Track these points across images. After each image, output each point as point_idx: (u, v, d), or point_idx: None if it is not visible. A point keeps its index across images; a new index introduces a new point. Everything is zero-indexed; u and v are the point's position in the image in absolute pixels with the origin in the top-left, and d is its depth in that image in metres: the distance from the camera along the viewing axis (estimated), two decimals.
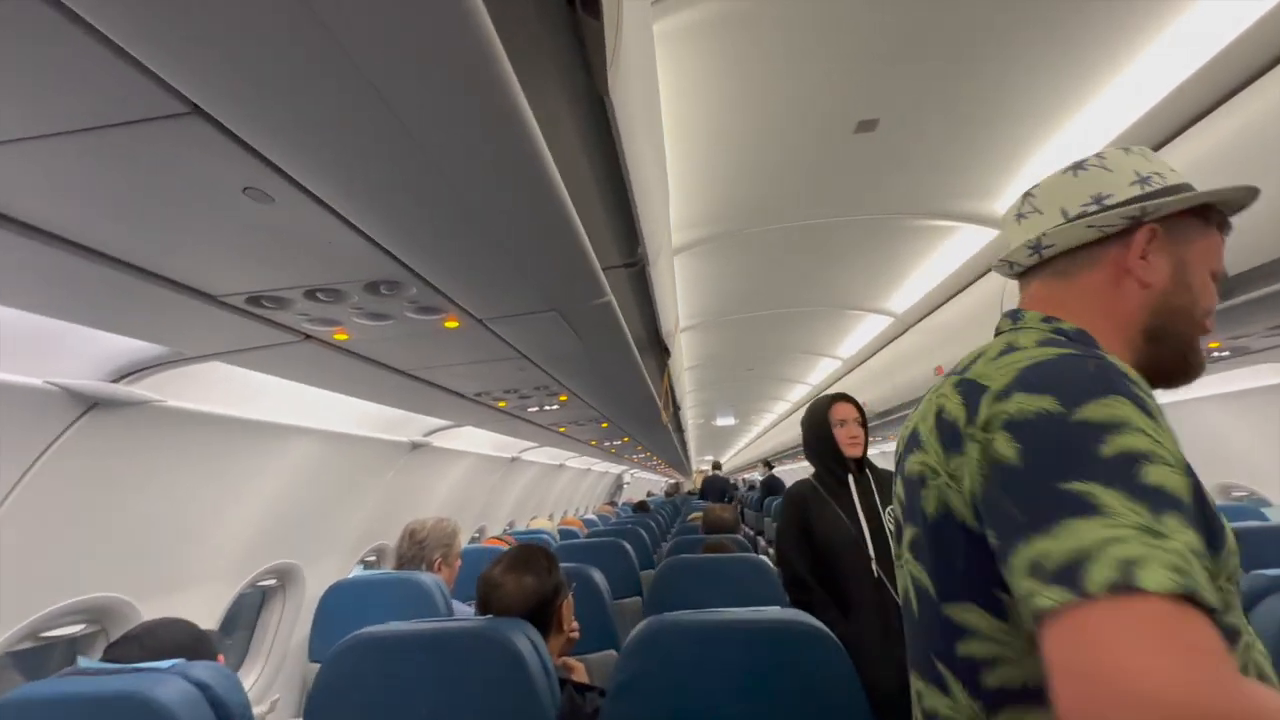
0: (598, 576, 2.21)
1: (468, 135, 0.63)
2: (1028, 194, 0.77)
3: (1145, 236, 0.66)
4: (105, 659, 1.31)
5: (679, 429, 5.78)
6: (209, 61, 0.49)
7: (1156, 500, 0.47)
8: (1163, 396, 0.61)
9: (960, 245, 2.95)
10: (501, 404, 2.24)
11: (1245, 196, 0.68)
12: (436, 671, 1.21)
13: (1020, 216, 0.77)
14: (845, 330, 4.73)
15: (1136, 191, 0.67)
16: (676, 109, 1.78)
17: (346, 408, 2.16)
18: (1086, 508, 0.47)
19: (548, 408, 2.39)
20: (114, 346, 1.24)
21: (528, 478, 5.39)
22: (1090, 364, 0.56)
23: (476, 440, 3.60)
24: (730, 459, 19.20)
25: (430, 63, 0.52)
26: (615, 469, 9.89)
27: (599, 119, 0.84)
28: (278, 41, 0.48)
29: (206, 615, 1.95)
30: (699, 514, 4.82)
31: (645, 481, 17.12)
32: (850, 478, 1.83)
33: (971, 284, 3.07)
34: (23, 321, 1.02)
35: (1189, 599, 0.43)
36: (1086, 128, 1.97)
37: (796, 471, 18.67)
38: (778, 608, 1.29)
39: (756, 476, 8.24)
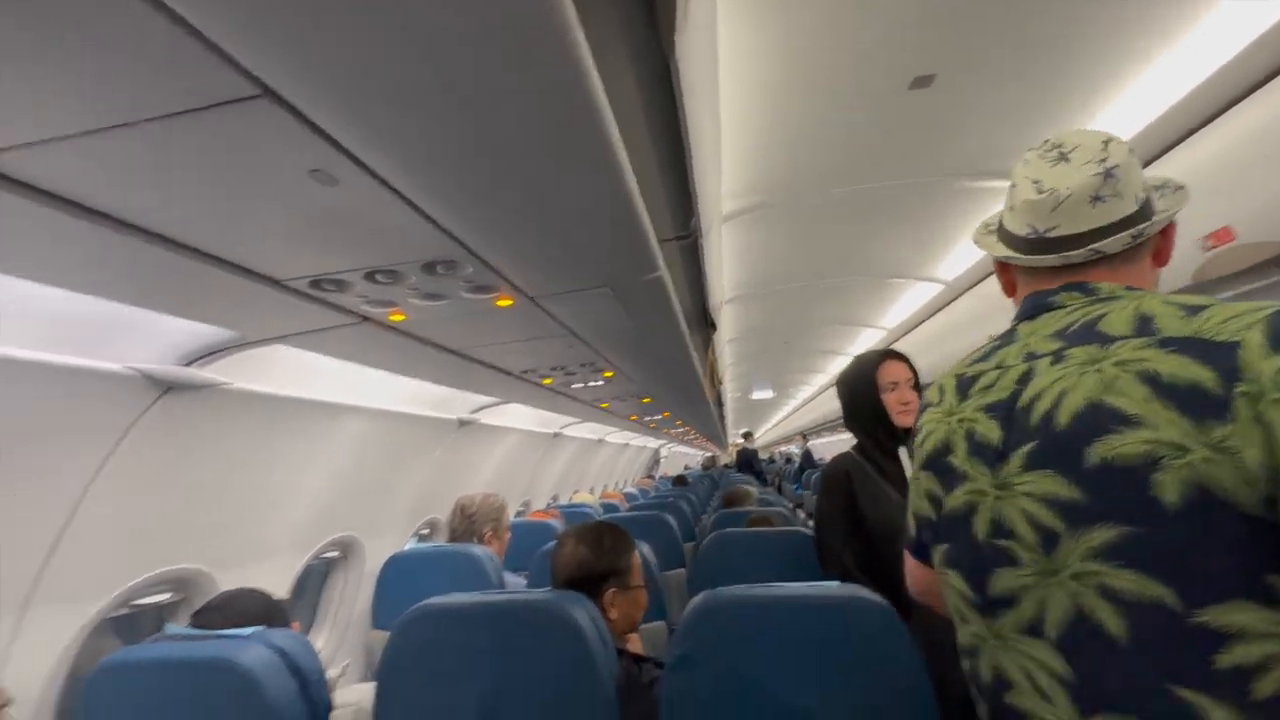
0: (645, 549, 2.23)
1: (533, 109, 0.61)
2: (1109, 174, 0.70)
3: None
4: (192, 625, 1.40)
5: (719, 402, 5.76)
6: (280, 41, 0.48)
7: None
8: None
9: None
10: (547, 381, 2.25)
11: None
12: (499, 641, 1.24)
13: (1098, 199, 0.70)
14: (889, 300, 4.58)
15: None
16: (726, 68, 1.70)
17: (396, 387, 2.21)
18: None
19: (592, 384, 2.40)
20: (184, 332, 1.28)
21: (569, 453, 5.48)
22: None
23: (520, 417, 3.66)
24: (766, 432, 19.11)
25: (500, 32, 0.50)
26: (652, 443, 9.96)
27: (662, 81, 0.81)
28: (347, 19, 0.47)
29: (278, 585, 2.05)
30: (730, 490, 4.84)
31: (682, 455, 17.22)
32: (902, 451, 1.54)
33: None
34: (101, 309, 1.07)
35: None
36: (1166, 73, 1.81)
37: (835, 445, 18.46)
38: (837, 583, 1.27)
39: (794, 449, 8.05)
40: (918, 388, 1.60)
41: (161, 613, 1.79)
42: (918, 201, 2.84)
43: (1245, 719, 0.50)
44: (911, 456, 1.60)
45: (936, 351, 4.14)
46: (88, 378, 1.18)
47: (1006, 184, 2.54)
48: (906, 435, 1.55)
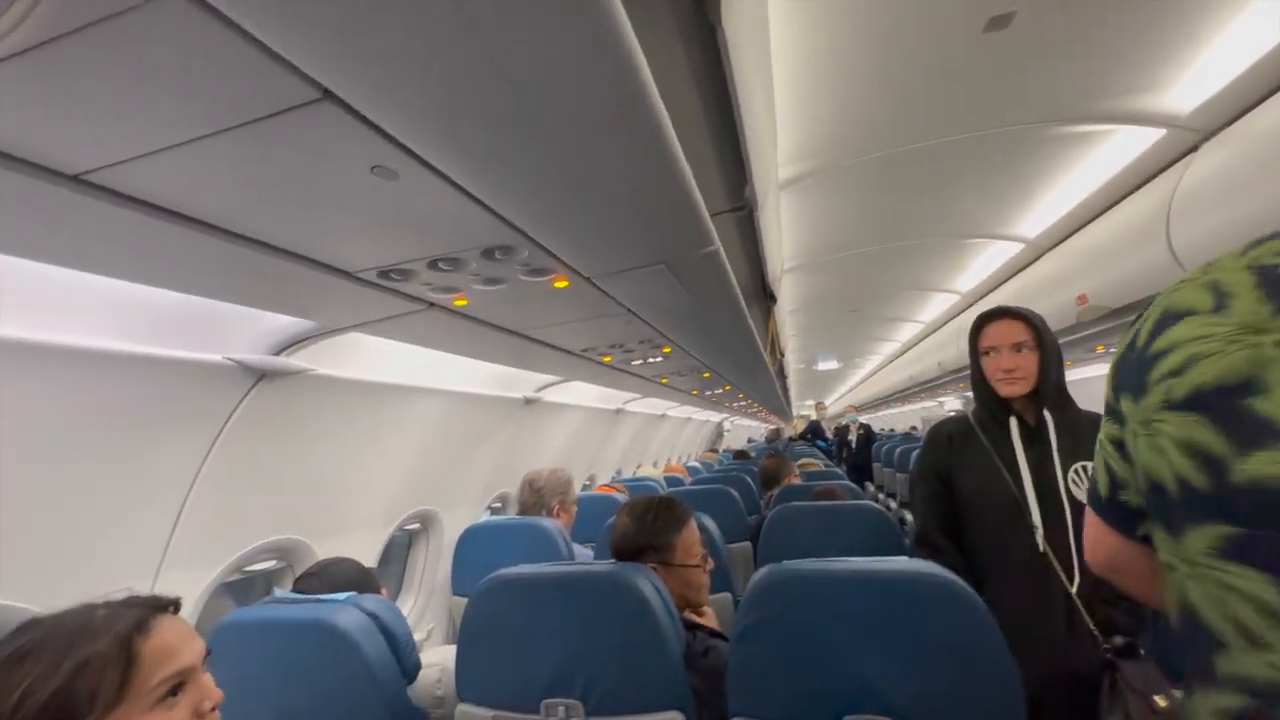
0: (709, 522, 2.25)
1: (581, 91, 0.61)
2: None
3: None
4: (295, 590, 1.54)
5: (781, 375, 5.65)
6: (338, 45, 0.50)
7: None
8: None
9: (1113, 152, 2.54)
10: (607, 359, 2.28)
11: None
12: (568, 609, 1.30)
13: None
14: (964, 262, 4.31)
15: None
16: (780, 26, 1.61)
17: (465, 368, 2.31)
18: None
19: (651, 360, 2.41)
20: (271, 325, 1.39)
21: (632, 428, 5.56)
22: None
23: (583, 394, 3.74)
24: (832, 404, 18.62)
25: (545, 19, 0.50)
26: (715, 417, 9.93)
27: (709, 51, 0.78)
28: (399, 19, 0.48)
29: (367, 554, 2.22)
30: (810, 460, 4.74)
31: (745, 428, 17.08)
32: (1014, 420, 1.40)
33: (1127, 195, 2.65)
34: (200, 307, 1.17)
35: None
36: (1263, 18, 1.57)
37: (906, 415, 17.75)
38: (905, 558, 1.24)
39: (846, 421, 7.69)
40: (1041, 346, 1.40)
41: (270, 578, 1.99)
42: (995, 153, 2.62)
43: None
44: (1024, 431, 1.41)
45: None
46: (192, 369, 1.31)
47: (1103, 127, 2.28)
48: (1033, 403, 1.40)
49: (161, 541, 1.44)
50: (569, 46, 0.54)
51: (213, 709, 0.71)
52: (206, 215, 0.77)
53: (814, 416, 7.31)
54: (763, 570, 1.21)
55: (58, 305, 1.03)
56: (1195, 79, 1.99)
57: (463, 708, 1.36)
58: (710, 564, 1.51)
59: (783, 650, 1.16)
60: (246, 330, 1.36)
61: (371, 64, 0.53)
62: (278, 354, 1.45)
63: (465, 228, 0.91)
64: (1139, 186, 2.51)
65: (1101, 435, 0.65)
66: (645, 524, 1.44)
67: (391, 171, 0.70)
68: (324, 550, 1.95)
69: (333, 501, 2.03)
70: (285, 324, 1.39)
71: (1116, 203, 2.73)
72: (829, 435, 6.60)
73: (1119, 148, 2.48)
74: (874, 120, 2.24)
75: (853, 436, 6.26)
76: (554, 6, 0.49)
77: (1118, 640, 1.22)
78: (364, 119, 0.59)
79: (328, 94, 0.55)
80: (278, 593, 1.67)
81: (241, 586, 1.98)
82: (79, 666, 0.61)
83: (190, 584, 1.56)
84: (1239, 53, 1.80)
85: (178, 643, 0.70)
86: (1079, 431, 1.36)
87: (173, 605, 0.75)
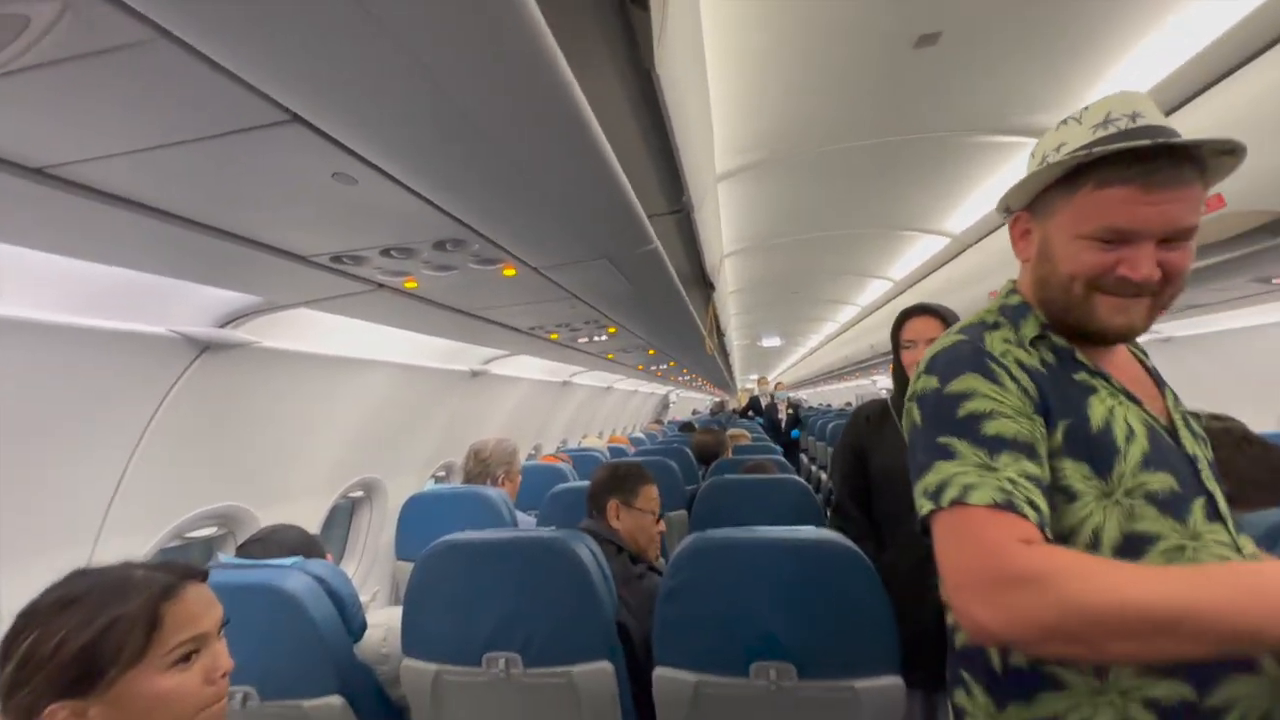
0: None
1: (522, 115, 0.69)
2: None
3: (1015, 226, 0.79)
4: (239, 555, 1.58)
5: (723, 352, 5.85)
6: (306, 74, 0.56)
7: (993, 445, 0.66)
8: (1226, 324, 0.69)
9: (1026, 161, 2.77)
10: (554, 336, 2.36)
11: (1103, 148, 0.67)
12: (512, 572, 1.40)
13: None
14: (898, 252, 4.57)
15: (1027, 174, 0.74)
16: (723, 30, 1.70)
17: (412, 341, 2.34)
18: (948, 453, 0.67)
19: (597, 338, 2.51)
20: (217, 298, 1.40)
21: (578, 400, 5.65)
22: (967, 349, 0.74)
23: (530, 367, 3.79)
24: (774, 379, 19.23)
25: (483, 48, 0.57)
26: (661, 389, 10.14)
27: (644, 78, 0.87)
28: (357, 51, 0.54)
29: (310, 521, 2.25)
30: (739, 431, 4.97)
31: (691, 400, 17.47)
32: None
33: None
34: (144, 281, 1.18)
35: (1007, 507, 0.62)
36: (1176, 28, 1.77)
37: (842, 392, 18.55)
38: (813, 527, 1.41)
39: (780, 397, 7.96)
40: None
41: (211, 545, 2.00)
42: (926, 157, 2.82)
43: None
44: None
45: (943, 303, 4.17)
46: (136, 340, 1.31)
47: (1020, 139, 2.49)
48: None
49: (101, 509, 1.45)
50: (508, 74, 0.61)
51: (223, 676, 0.76)
52: (165, 205, 0.81)
53: (756, 392, 7.44)
54: (688, 538, 1.36)
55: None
56: (1095, 99, 2.20)
57: (408, 662, 1.45)
58: (662, 526, 1.80)
59: (703, 608, 1.31)
60: (190, 303, 1.36)
61: (336, 92, 0.59)
62: (222, 327, 1.46)
63: (417, 223, 0.97)
64: None
65: None
66: (618, 474, 1.77)
67: (350, 178, 0.76)
68: (267, 517, 1.98)
69: (276, 469, 2.05)
70: (231, 297, 1.40)
71: None
72: (776, 413, 6.68)
73: (1028, 159, 2.70)
74: (810, 121, 2.37)
75: (782, 415, 6.42)
76: (491, 42, 0.56)
77: None
78: (329, 137, 0.65)
79: (296, 117, 0.61)
80: (221, 558, 1.70)
81: (179, 553, 1.99)
82: (110, 624, 0.67)
83: (128, 550, 1.57)
84: (1142, 77, 2.01)
85: (199, 610, 0.75)
86: None
87: (202, 575, 0.80)
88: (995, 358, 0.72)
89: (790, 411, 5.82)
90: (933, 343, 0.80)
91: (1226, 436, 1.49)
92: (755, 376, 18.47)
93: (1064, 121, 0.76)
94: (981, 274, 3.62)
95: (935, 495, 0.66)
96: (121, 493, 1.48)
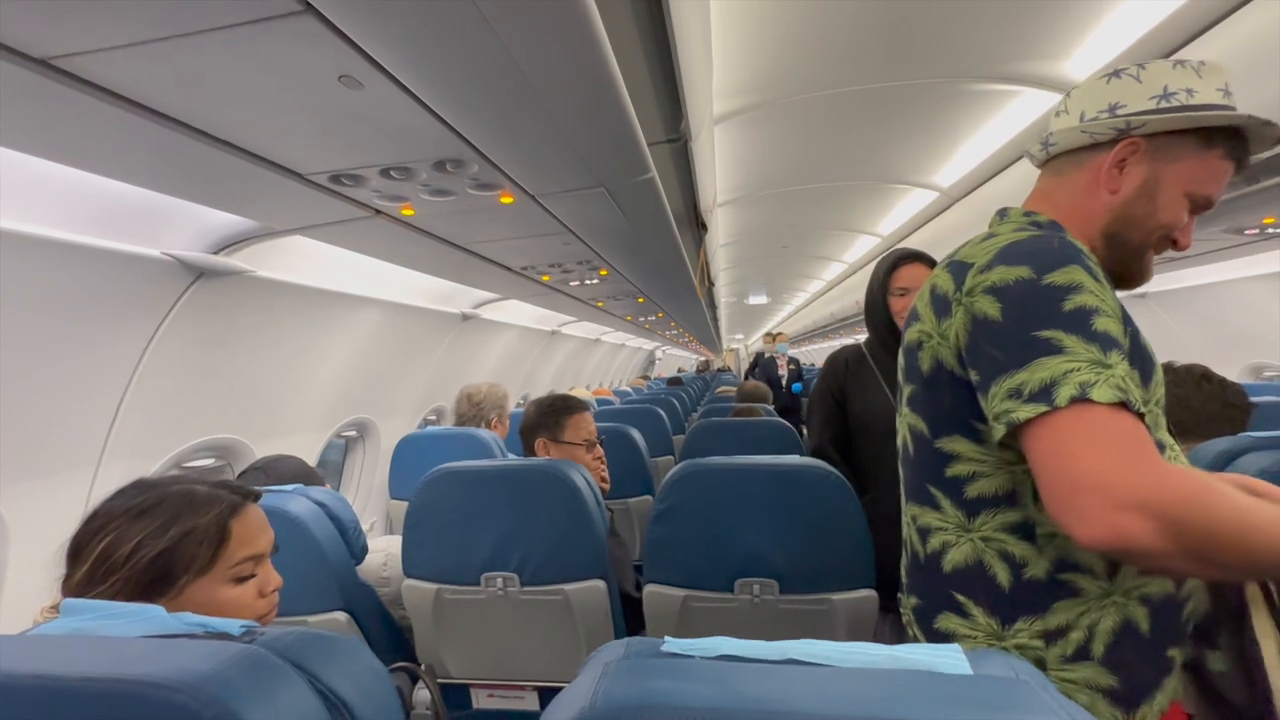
0: (636, 434, 2.47)
1: (534, 21, 0.69)
2: (1067, 94, 0.82)
3: (1124, 149, 0.73)
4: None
5: (712, 305, 5.88)
6: None
7: (1104, 342, 0.63)
8: (1203, 278, 0.72)
9: (1019, 111, 2.78)
10: (545, 278, 2.37)
11: (1258, 125, 0.69)
12: (509, 498, 1.46)
13: (1057, 113, 0.82)
14: (887, 206, 4.58)
15: (1151, 105, 0.71)
16: None
17: (404, 280, 2.33)
18: (1054, 349, 0.63)
19: (588, 282, 2.52)
20: (209, 223, 1.39)
21: (566, 351, 5.69)
22: (1055, 242, 0.69)
23: (520, 314, 3.80)
24: (756, 339, 19.37)
25: None
26: (648, 345, 10.20)
27: (655, 12, 0.86)
28: None
29: (305, 456, 2.28)
30: (729, 387, 5.05)
31: (676, 358, 17.60)
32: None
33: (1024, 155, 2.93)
34: (141, 201, 1.17)
35: (1125, 406, 0.60)
36: None
37: (825, 351, 18.78)
38: (796, 456, 1.48)
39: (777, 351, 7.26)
40: None
41: (207, 476, 2.03)
42: (919, 104, 2.81)
43: (960, 509, 0.75)
44: None
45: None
46: (129, 261, 1.30)
47: (1012, 88, 2.49)
48: None
49: (102, 433, 1.47)
50: None
51: (274, 591, 0.81)
52: (168, 109, 0.80)
53: (763, 349, 6.23)
54: (679, 465, 1.42)
55: None
56: (1088, 52, 2.21)
57: (409, 583, 1.52)
58: (599, 451, 1.80)
59: (690, 529, 1.39)
60: (185, 227, 1.35)
61: None
62: (217, 253, 1.46)
63: (420, 138, 0.97)
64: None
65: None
66: (543, 409, 1.76)
67: (357, 82, 0.76)
68: (264, 450, 2.01)
69: (271, 404, 2.07)
70: (225, 222, 1.39)
71: (1018, 159, 3.00)
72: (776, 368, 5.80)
73: (1022, 109, 2.72)
74: (806, 63, 2.35)
75: (783, 372, 5.57)
76: None
77: None
78: (339, 31, 0.66)
79: (309, 7, 0.61)
80: None
81: None
82: (184, 534, 0.70)
83: (129, 475, 1.60)
84: (1129, 29, 2.01)
85: (257, 529, 0.79)
86: None
87: (255, 496, 0.82)
88: (1087, 254, 0.69)
89: (792, 367, 5.69)
90: (966, 248, 0.76)
91: (1187, 374, 1.58)
92: (740, 336, 18.55)
93: (1179, 63, 0.73)
94: (968, 228, 3.66)
95: (1042, 395, 0.61)
96: (122, 417, 1.50)
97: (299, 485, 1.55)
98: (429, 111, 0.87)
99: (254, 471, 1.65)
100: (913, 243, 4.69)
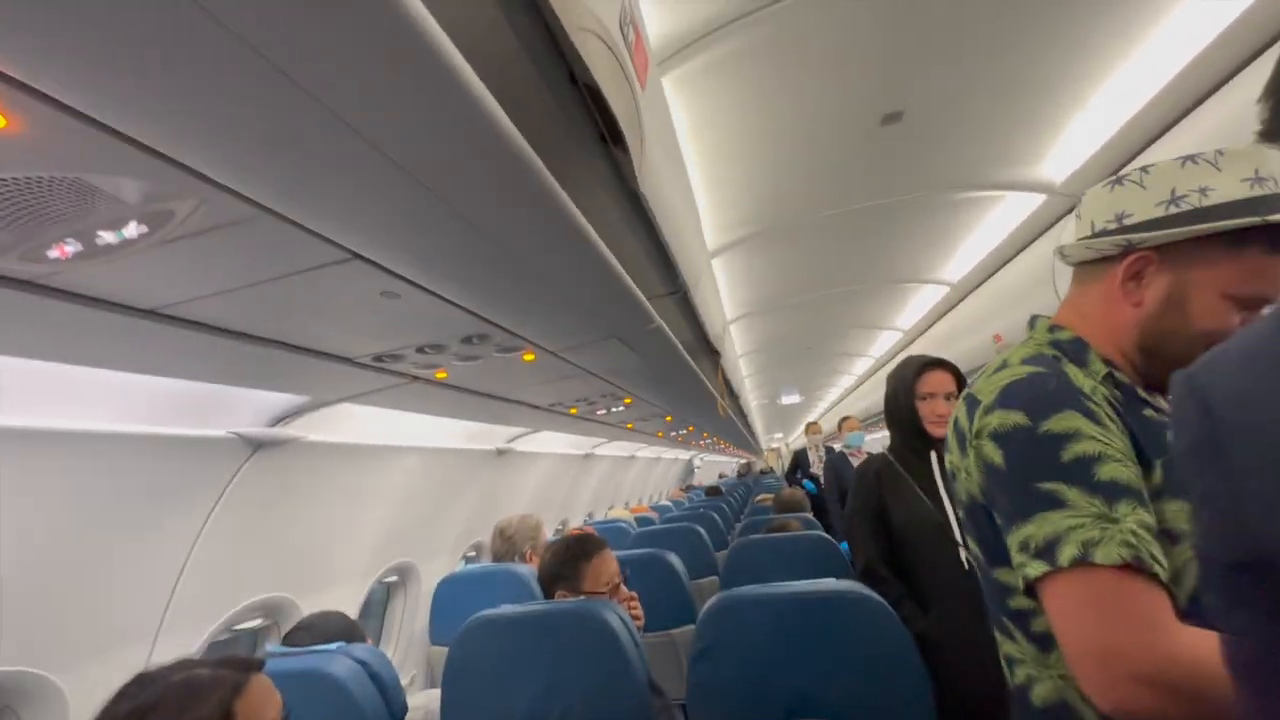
0: (674, 559, 2.42)
1: (534, 233, 0.84)
2: (1081, 200, 0.78)
3: (1135, 264, 0.68)
4: (285, 644, 1.64)
5: (740, 413, 5.89)
6: (365, 225, 0.72)
7: (1109, 492, 0.60)
8: None
9: (1009, 212, 2.93)
10: (573, 410, 2.48)
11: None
12: (546, 645, 1.45)
13: (1077, 216, 0.78)
14: (901, 302, 4.70)
15: (1160, 213, 0.66)
16: (705, 132, 1.92)
17: (440, 425, 2.47)
18: (1055, 503, 0.61)
19: (614, 409, 2.62)
20: (269, 400, 1.55)
21: (601, 471, 5.69)
22: (1052, 383, 0.67)
23: (553, 442, 3.89)
24: (798, 436, 18.96)
25: (504, 196, 0.73)
26: (685, 455, 10.09)
27: (634, 203, 1.03)
28: (409, 203, 0.70)
29: (348, 607, 2.31)
30: (767, 495, 4.91)
31: (716, 464, 17.22)
32: (933, 454, 1.59)
33: (1024, 249, 3.04)
34: (206, 388, 1.34)
35: (1133, 566, 0.57)
36: (1131, 77, 1.89)
37: (874, 443, 18.14)
38: (833, 579, 1.45)
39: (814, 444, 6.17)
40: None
41: (256, 636, 2.07)
42: (912, 214, 2.99)
43: (1032, 643, 0.70)
44: (943, 461, 1.65)
45: (948, 351, 4.24)
46: (196, 444, 1.46)
47: (996, 193, 2.66)
48: (938, 443, 1.60)
49: (161, 606, 1.55)
50: (520, 203, 0.76)
51: None
52: (237, 327, 0.97)
53: (805, 443, 5.60)
54: (714, 597, 1.41)
55: (78, 396, 1.18)
56: (1061, 155, 2.37)
57: None
58: (624, 593, 1.69)
59: (732, 667, 1.34)
60: (244, 406, 1.52)
61: (392, 232, 0.75)
62: (275, 425, 1.61)
63: (449, 323, 1.12)
64: (1030, 243, 2.89)
65: None
66: (558, 555, 1.65)
67: (395, 294, 0.91)
68: (309, 606, 2.05)
69: (316, 559, 2.14)
70: (282, 397, 1.56)
71: (1017, 254, 3.11)
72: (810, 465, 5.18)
73: (1011, 209, 2.87)
74: (793, 196, 2.58)
75: (817, 470, 4.88)
76: (508, 186, 0.71)
77: None
78: (380, 266, 0.81)
79: (356, 255, 0.77)
80: (269, 648, 1.76)
81: (227, 646, 2.05)
82: None
83: (185, 645, 1.66)
84: (1096, 132, 2.17)
85: (262, 704, 0.80)
86: None
87: (259, 665, 0.84)
88: (1087, 394, 0.66)
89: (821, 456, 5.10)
90: (980, 379, 0.75)
91: None
92: (779, 435, 18.15)
93: (1190, 159, 0.66)
94: (981, 319, 3.71)
95: (1046, 553, 0.60)
96: (180, 588, 1.58)
97: (342, 644, 1.57)
98: (454, 305, 1.02)
99: (299, 631, 1.68)
100: (933, 334, 4.73)
